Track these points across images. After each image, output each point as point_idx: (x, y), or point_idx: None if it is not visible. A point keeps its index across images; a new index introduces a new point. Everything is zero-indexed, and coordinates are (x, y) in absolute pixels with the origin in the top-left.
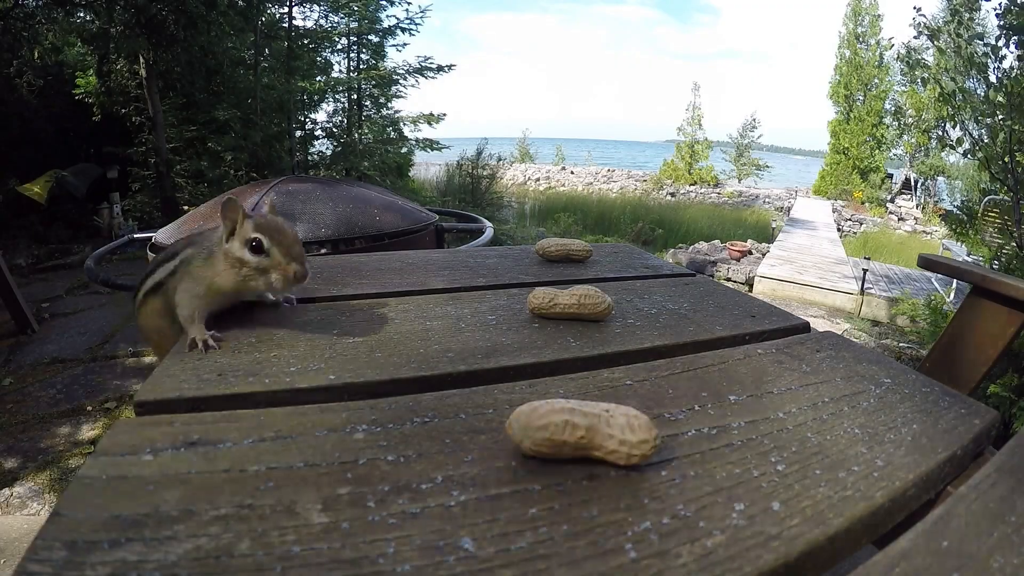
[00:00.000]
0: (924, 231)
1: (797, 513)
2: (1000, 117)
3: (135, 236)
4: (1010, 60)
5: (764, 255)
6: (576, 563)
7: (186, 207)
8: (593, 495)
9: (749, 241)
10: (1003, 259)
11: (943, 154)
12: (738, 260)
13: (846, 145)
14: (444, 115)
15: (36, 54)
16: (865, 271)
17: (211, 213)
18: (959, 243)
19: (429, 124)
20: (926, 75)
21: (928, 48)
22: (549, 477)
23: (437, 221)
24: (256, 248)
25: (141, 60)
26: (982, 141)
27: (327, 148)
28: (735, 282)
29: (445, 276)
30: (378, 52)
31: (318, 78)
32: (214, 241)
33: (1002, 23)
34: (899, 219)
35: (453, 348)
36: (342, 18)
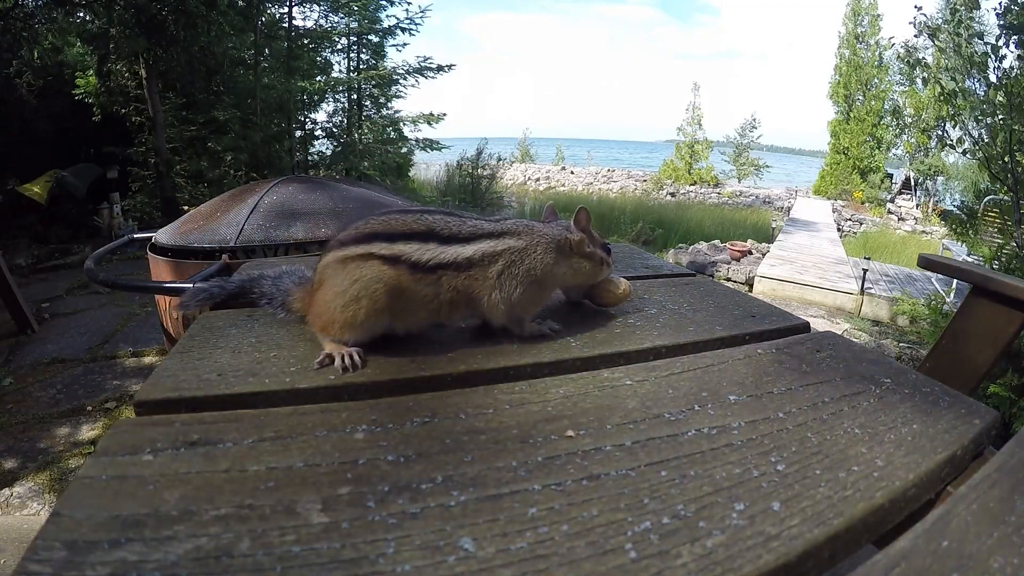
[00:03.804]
0: (924, 231)
1: (797, 513)
2: (1000, 117)
3: (135, 236)
4: (1010, 60)
5: (764, 255)
6: (576, 563)
7: (186, 207)
8: (593, 495)
9: (749, 241)
10: (1003, 259)
11: (943, 154)
12: (738, 260)
13: (846, 145)
14: (444, 115)
15: (36, 54)
16: (865, 271)
17: (212, 212)
18: (959, 243)
19: (429, 124)
20: (926, 74)
21: (928, 48)
22: (549, 477)
23: None
24: (606, 248)
25: (141, 60)
26: (982, 141)
27: (327, 148)
28: (735, 282)
29: None
30: (378, 52)
31: (318, 78)
32: (555, 239)
33: (1002, 22)
34: (899, 219)
35: (453, 348)
36: (342, 18)
